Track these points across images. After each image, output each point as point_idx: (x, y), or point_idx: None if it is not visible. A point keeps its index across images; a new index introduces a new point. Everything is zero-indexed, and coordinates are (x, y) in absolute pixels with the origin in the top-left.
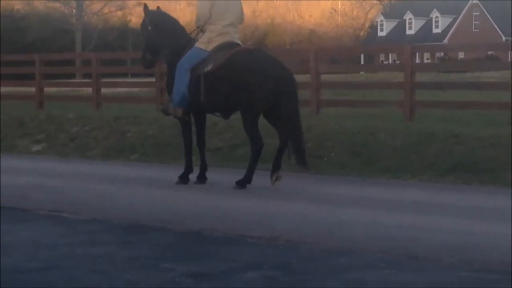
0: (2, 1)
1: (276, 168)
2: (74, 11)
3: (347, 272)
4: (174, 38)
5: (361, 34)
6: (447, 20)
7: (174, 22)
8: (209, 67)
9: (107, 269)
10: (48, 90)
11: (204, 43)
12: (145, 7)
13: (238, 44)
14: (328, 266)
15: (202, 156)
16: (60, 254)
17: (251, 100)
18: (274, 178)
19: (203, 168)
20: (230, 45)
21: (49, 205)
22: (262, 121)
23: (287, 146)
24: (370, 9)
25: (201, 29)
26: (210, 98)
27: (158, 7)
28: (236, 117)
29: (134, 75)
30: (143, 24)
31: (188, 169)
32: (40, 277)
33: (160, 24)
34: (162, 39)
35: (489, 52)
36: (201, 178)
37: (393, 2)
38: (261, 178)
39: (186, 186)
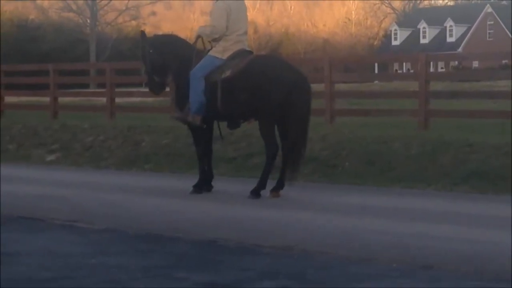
0: (16, 11)
1: (279, 187)
2: (88, 21)
3: (361, 282)
4: (179, 51)
5: (375, 43)
6: (461, 29)
7: (174, 37)
8: (226, 74)
9: (121, 278)
10: (62, 100)
11: (220, 52)
12: (143, 34)
13: (251, 52)
14: (343, 275)
15: (210, 165)
16: (74, 264)
17: (266, 105)
18: (272, 194)
19: (210, 177)
20: (244, 52)
21: (64, 214)
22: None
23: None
24: (384, 18)
25: (213, 40)
26: (227, 104)
27: (155, 35)
28: (251, 127)
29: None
30: (143, 49)
31: (202, 179)
32: (54, 286)
33: (160, 44)
34: (167, 57)
35: (503, 61)
36: (208, 186)
37: (407, 11)
38: None
39: (200, 195)
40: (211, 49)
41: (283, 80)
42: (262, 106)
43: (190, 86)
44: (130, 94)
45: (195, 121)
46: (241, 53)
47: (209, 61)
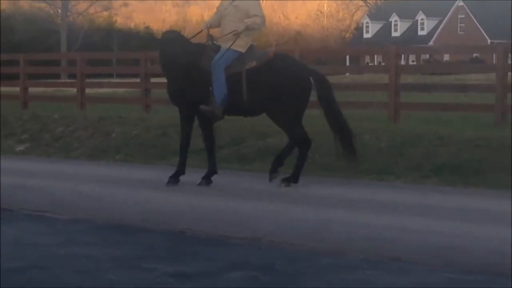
0: None
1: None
2: (59, 11)
3: (330, 273)
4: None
5: (346, 35)
6: (433, 22)
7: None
8: (251, 64)
9: (90, 268)
10: (33, 90)
11: (242, 47)
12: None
13: (255, 46)
14: (311, 267)
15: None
16: (43, 254)
17: (292, 104)
18: (283, 184)
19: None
20: (254, 46)
21: (33, 205)
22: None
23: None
24: (356, 11)
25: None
26: (251, 94)
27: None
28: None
29: (119, 75)
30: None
31: (181, 170)
32: (23, 276)
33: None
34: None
35: (474, 55)
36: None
37: (379, 4)
38: (244, 179)
39: (170, 186)
40: (212, 43)
41: (308, 77)
42: (285, 99)
43: (214, 78)
44: (101, 85)
45: (219, 113)
46: (253, 47)
47: (231, 54)
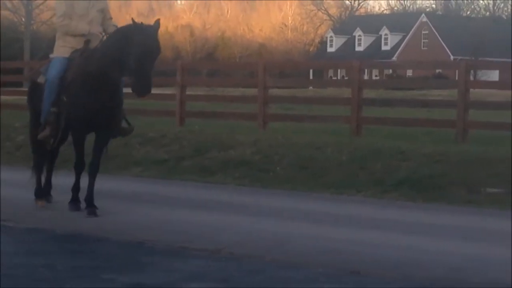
0: None
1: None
2: (23, 19)
3: (288, 286)
4: None
5: (310, 49)
6: (396, 37)
7: None
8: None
9: (48, 278)
10: None
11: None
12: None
13: None
14: (270, 279)
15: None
16: (2, 263)
17: None
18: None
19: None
20: None
21: None
22: None
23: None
24: (320, 25)
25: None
26: None
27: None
28: (183, 129)
29: None
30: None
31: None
32: None
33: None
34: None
35: (437, 70)
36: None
37: (343, 18)
38: (206, 191)
39: (131, 197)
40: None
41: None
42: None
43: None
44: None
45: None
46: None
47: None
